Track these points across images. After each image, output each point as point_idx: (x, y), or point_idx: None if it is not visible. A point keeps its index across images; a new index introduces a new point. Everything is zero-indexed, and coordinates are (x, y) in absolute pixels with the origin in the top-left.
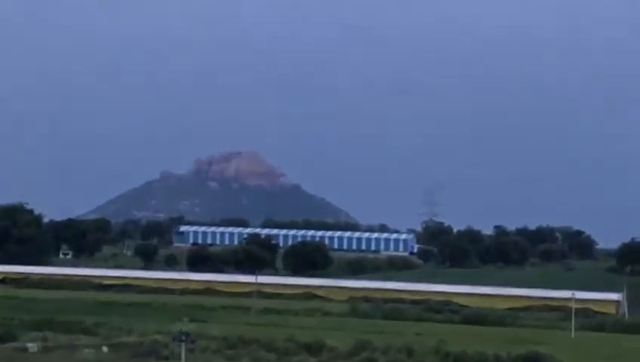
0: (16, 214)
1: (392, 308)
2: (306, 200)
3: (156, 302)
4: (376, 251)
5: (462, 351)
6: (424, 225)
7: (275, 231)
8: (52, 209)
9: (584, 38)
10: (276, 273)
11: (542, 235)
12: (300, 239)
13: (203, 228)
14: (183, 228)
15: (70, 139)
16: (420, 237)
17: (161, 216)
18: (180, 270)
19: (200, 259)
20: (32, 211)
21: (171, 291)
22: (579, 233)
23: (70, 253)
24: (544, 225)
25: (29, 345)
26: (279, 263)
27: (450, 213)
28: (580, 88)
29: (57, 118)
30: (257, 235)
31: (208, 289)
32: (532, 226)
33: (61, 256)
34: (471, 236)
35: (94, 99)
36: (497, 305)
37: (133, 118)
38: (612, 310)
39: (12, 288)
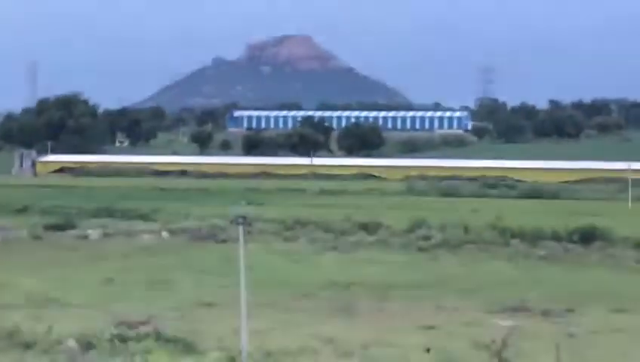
0: (71, 104)
1: (447, 185)
2: (359, 82)
3: (213, 186)
4: (431, 130)
5: (519, 226)
6: (478, 102)
7: (328, 114)
8: (107, 98)
9: None
10: (331, 155)
11: (597, 108)
12: (353, 120)
13: (257, 113)
14: (237, 113)
15: (122, 28)
16: (474, 114)
17: (215, 102)
18: (236, 155)
19: (255, 143)
20: (87, 101)
21: (227, 176)
22: (635, 105)
23: (126, 141)
24: (599, 98)
25: (90, 231)
26: (334, 145)
27: (504, 89)
28: None
29: (106, 8)
30: (311, 118)
31: (264, 173)
32: (587, 99)
33: (117, 144)
34: (525, 111)
35: None
36: (553, 178)
37: (183, 4)
38: None
39: (70, 177)
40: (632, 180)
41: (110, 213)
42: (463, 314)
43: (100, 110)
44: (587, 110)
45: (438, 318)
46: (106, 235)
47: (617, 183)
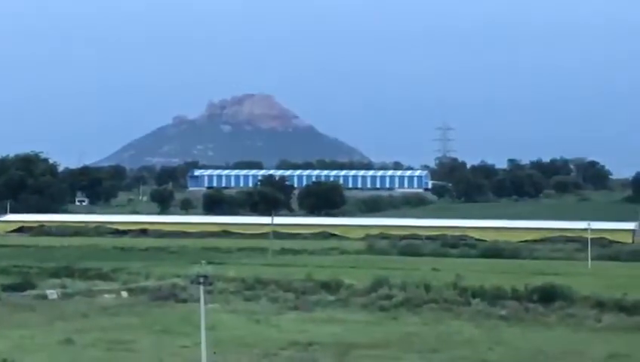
0: (31, 163)
1: (408, 244)
2: (319, 141)
3: (173, 245)
4: (391, 188)
5: (479, 285)
6: (438, 161)
7: (289, 172)
8: (67, 157)
9: None
10: (292, 213)
11: (556, 167)
12: (314, 179)
13: (217, 172)
14: (197, 172)
15: (82, 87)
16: (434, 173)
17: (176, 161)
18: (196, 214)
19: (215, 202)
20: (47, 160)
21: (188, 235)
22: (593, 164)
23: (86, 200)
24: (558, 157)
25: (49, 292)
26: (295, 204)
27: (463, 149)
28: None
29: (69, 66)
30: (272, 177)
31: (225, 232)
32: (546, 159)
33: (77, 203)
34: (485, 170)
35: (105, 48)
36: (513, 237)
37: (144, 64)
38: (628, 239)
39: (29, 236)
40: (592, 239)
41: (70, 272)
42: None
43: (61, 168)
44: (546, 169)
45: None
46: (65, 295)
47: (576, 243)
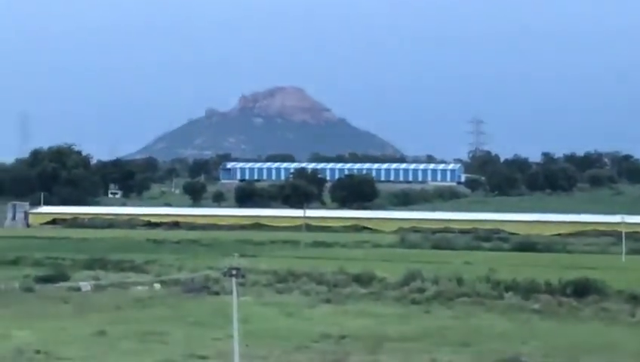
0: (64, 156)
1: (440, 238)
2: (351, 134)
3: (205, 238)
4: (424, 182)
5: (512, 279)
6: (471, 155)
7: (321, 166)
8: (100, 150)
9: None
10: (324, 206)
11: (590, 161)
12: (346, 172)
13: (250, 165)
14: (229, 165)
15: (115, 79)
16: (467, 167)
17: (208, 154)
18: (228, 206)
19: (248, 195)
20: (79, 152)
21: (220, 227)
22: (627, 157)
23: (119, 192)
24: (592, 151)
25: (82, 283)
26: (327, 197)
27: (497, 142)
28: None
29: (102, 59)
30: (304, 170)
31: (257, 225)
32: (580, 152)
33: (110, 195)
34: (518, 164)
35: (138, 39)
36: (546, 231)
37: (177, 56)
38: None
39: (62, 228)
40: (626, 233)
41: (102, 264)
42: None
43: (93, 161)
44: (580, 163)
45: None
46: (98, 287)
47: (610, 236)
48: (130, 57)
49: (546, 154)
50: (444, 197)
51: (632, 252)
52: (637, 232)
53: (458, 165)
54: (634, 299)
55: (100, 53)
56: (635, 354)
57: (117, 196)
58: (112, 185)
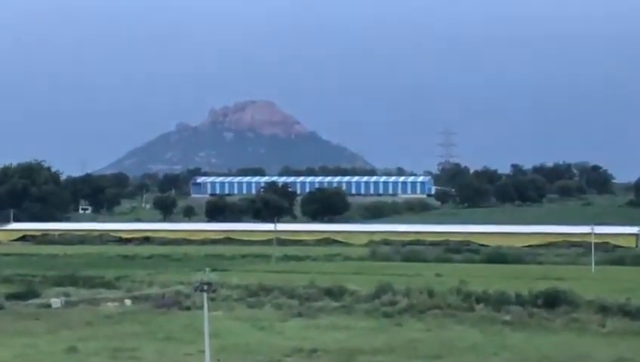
0: (33, 172)
1: (411, 250)
2: (322, 147)
3: (176, 253)
4: (394, 194)
5: (483, 291)
6: (441, 167)
7: (292, 179)
8: (69, 166)
9: None
10: (295, 220)
11: (559, 172)
12: (317, 186)
13: (220, 179)
14: (200, 180)
15: (83, 95)
16: (437, 179)
17: (178, 169)
18: (199, 221)
19: (218, 210)
20: (49, 168)
21: (191, 242)
22: (596, 168)
23: (89, 208)
24: (561, 162)
25: (53, 300)
26: (297, 210)
27: (466, 154)
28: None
29: (69, 75)
30: (274, 183)
31: (228, 239)
32: (549, 163)
33: (80, 211)
34: (488, 176)
35: (106, 54)
36: (516, 243)
37: (146, 71)
38: (632, 243)
39: (32, 245)
40: (595, 244)
41: (73, 281)
42: None
43: (63, 177)
44: (549, 174)
45: None
46: (68, 303)
47: (580, 247)
48: (100, 71)
49: (515, 166)
50: (415, 210)
51: (601, 262)
52: (606, 243)
53: (428, 177)
54: (604, 309)
55: (70, 67)
56: None
57: (87, 212)
58: (82, 201)
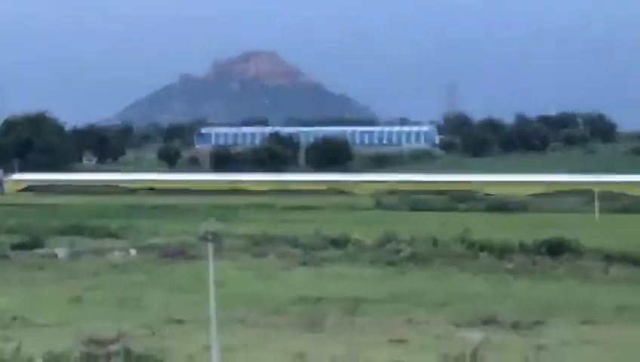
0: (38, 123)
1: (416, 200)
2: (327, 98)
3: (181, 203)
4: (399, 144)
5: (487, 239)
6: (445, 117)
7: (296, 129)
8: (74, 116)
9: None
10: (299, 170)
11: (563, 121)
12: (321, 136)
13: (225, 129)
14: (204, 130)
15: (88, 45)
16: (441, 129)
17: (183, 119)
18: (204, 171)
19: (223, 160)
20: (54, 119)
21: (196, 192)
22: (600, 117)
23: (94, 159)
24: (565, 111)
25: (58, 250)
26: (302, 160)
27: (471, 104)
28: None
29: (74, 24)
30: (278, 134)
31: (232, 189)
32: (553, 113)
33: (85, 162)
34: (492, 125)
35: (110, 5)
36: (520, 191)
37: (151, 21)
38: (637, 191)
39: (37, 195)
40: (599, 192)
41: (78, 231)
42: (433, 327)
43: (68, 128)
44: (553, 123)
45: (408, 332)
46: (74, 254)
47: (584, 195)
48: (105, 21)
49: (519, 115)
50: (419, 160)
51: (605, 211)
52: (610, 191)
53: (432, 127)
54: (607, 257)
55: (73, 19)
56: (610, 311)
57: (92, 162)
58: (86, 152)
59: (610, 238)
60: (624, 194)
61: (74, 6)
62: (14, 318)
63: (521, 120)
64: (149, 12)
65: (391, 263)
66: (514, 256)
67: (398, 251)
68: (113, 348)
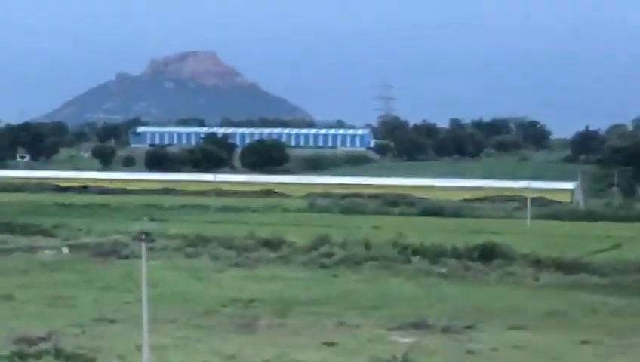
0: None
1: (349, 203)
2: (263, 99)
3: (115, 202)
4: (334, 147)
5: (420, 243)
6: (380, 120)
7: (232, 130)
8: (7, 113)
9: None
10: (234, 171)
11: (497, 127)
12: (257, 137)
13: (160, 129)
14: (140, 130)
15: (24, 40)
16: (376, 132)
17: (118, 119)
18: (139, 171)
19: (158, 160)
20: None
21: (130, 192)
22: (533, 124)
23: (27, 156)
24: (499, 117)
25: None
26: (237, 162)
27: (405, 108)
28: None
29: (8, 21)
30: (214, 134)
31: (167, 189)
32: (487, 118)
33: (18, 159)
34: (427, 129)
35: (47, 1)
36: (454, 196)
37: (86, 19)
38: (567, 198)
39: None
40: (531, 199)
41: (10, 228)
42: (364, 330)
43: (1, 125)
44: (487, 129)
45: (339, 335)
46: (4, 251)
47: (516, 201)
48: (41, 17)
49: (454, 120)
50: (354, 163)
51: (536, 217)
52: (542, 197)
53: (367, 130)
54: (538, 262)
55: (7, 13)
56: (539, 316)
57: (25, 160)
58: (20, 149)
59: (541, 245)
60: (555, 201)
61: (21, 2)
62: None
63: (456, 125)
64: (87, 9)
65: (323, 266)
66: (446, 260)
67: (330, 254)
68: (44, 346)
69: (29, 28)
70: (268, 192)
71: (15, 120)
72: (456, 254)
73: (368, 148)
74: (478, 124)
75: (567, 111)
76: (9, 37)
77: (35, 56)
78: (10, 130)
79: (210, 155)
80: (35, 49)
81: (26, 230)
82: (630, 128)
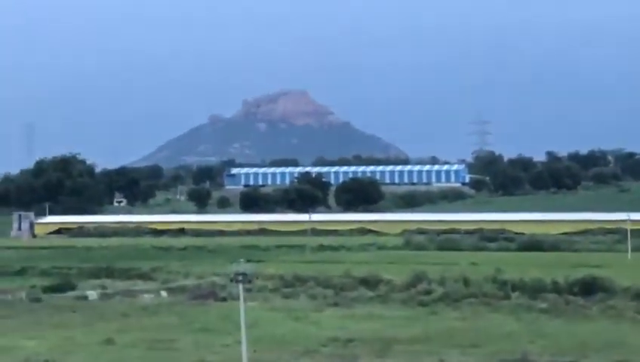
0: (68, 165)
1: (446, 239)
2: (355, 137)
3: (211, 244)
4: (428, 183)
5: (519, 278)
6: (475, 155)
7: (325, 169)
8: (104, 158)
9: None
10: (329, 210)
11: (594, 159)
12: (350, 175)
13: (254, 170)
14: (234, 171)
15: (117, 88)
16: (471, 167)
17: (212, 160)
18: (234, 212)
19: (252, 201)
20: (84, 161)
21: (226, 233)
22: (631, 154)
23: (124, 200)
24: (596, 149)
25: (89, 292)
26: (331, 200)
27: (500, 142)
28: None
29: (104, 68)
30: (308, 174)
31: (262, 230)
32: (583, 151)
33: (115, 204)
34: (522, 163)
35: (139, 49)
36: (552, 230)
37: (178, 64)
38: None
39: (68, 238)
40: (631, 231)
41: (109, 273)
42: None
43: (98, 170)
44: (584, 161)
45: None
46: (104, 295)
47: (616, 234)
48: (131, 65)
49: (549, 153)
50: (449, 198)
51: (637, 249)
52: None
53: (462, 166)
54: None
55: (102, 61)
56: None
57: (122, 204)
58: (117, 194)
59: None
60: None
61: (103, 46)
62: (46, 361)
63: (552, 158)
64: (177, 55)
65: (422, 303)
66: (546, 295)
67: (429, 291)
68: None
69: (122, 74)
70: (363, 230)
71: (111, 164)
72: (557, 289)
73: (463, 183)
74: (574, 157)
75: None
76: (103, 83)
77: (128, 101)
78: (107, 174)
79: (305, 195)
80: (129, 94)
81: (124, 274)
82: None
